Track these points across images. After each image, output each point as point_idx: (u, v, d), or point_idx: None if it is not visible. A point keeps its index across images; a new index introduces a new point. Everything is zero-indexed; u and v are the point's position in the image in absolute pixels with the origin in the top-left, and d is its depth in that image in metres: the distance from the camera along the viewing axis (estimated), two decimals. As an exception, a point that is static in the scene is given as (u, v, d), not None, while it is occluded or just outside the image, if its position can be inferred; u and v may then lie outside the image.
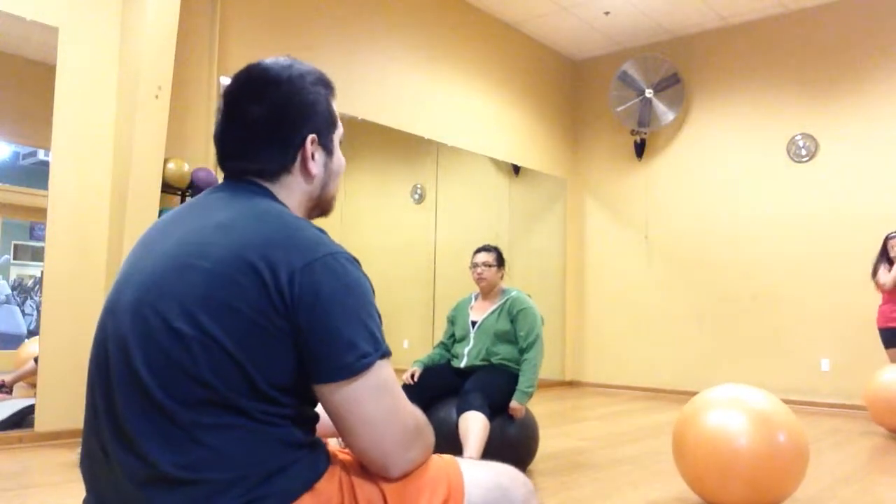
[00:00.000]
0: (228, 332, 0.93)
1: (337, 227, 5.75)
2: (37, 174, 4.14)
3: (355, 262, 1.03)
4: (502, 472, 1.11)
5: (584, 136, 7.88)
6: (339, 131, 1.19)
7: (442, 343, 3.67)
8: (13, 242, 4.38)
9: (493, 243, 3.70)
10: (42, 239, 3.95)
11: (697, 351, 6.85)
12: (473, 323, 3.51)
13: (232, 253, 0.96)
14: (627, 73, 7.20)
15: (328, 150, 1.15)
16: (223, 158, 1.13)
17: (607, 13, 6.68)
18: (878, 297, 5.19)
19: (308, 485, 0.96)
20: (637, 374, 7.20)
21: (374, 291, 1.04)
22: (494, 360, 3.37)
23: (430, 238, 6.45)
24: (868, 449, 4.19)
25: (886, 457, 3.93)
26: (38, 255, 4.17)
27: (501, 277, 3.58)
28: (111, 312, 1.02)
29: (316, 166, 1.13)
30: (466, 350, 3.44)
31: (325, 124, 1.14)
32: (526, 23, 7.00)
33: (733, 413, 2.56)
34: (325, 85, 1.16)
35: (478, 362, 3.38)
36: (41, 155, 4.17)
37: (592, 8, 6.58)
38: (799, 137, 6.44)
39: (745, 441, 2.49)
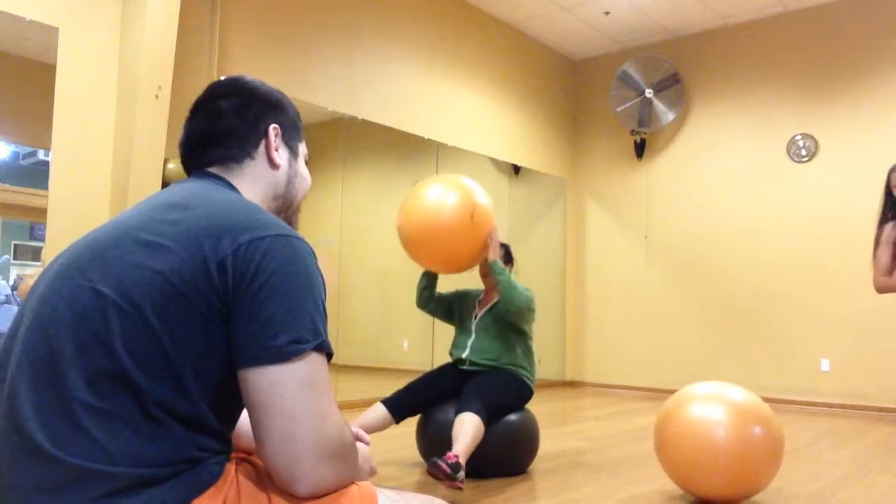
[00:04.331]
0: (153, 302, 0.87)
1: (337, 227, 5.75)
2: (37, 174, 4.14)
3: (311, 252, 0.98)
4: None
5: (583, 136, 7.88)
6: (305, 148, 1.21)
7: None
8: (13, 242, 4.38)
9: None
10: (42, 239, 3.95)
11: (697, 351, 6.85)
12: (476, 316, 3.56)
13: (177, 227, 0.93)
14: (627, 73, 7.19)
15: (293, 151, 1.17)
16: (188, 153, 1.13)
17: (607, 13, 6.68)
18: (878, 298, 4.94)
19: (183, 501, 0.85)
20: (637, 374, 7.20)
21: (325, 291, 0.97)
22: (502, 359, 3.37)
23: (430, 238, 6.44)
24: (868, 449, 4.19)
25: (886, 456, 3.93)
26: (38, 255, 4.17)
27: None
28: (42, 276, 0.98)
29: (280, 158, 1.13)
30: (469, 342, 3.47)
31: (290, 125, 1.17)
32: (526, 23, 7.00)
33: (712, 407, 2.67)
34: (295, 107, 1.20)
35: (481, 359, 3.39)
36: (41, 155, 4.17)
37: (592, 8, 6.58)
38: (799, 137, 6.44)
39: (722, 433, 2.59)
